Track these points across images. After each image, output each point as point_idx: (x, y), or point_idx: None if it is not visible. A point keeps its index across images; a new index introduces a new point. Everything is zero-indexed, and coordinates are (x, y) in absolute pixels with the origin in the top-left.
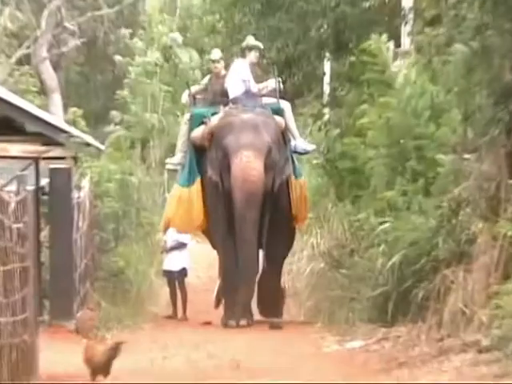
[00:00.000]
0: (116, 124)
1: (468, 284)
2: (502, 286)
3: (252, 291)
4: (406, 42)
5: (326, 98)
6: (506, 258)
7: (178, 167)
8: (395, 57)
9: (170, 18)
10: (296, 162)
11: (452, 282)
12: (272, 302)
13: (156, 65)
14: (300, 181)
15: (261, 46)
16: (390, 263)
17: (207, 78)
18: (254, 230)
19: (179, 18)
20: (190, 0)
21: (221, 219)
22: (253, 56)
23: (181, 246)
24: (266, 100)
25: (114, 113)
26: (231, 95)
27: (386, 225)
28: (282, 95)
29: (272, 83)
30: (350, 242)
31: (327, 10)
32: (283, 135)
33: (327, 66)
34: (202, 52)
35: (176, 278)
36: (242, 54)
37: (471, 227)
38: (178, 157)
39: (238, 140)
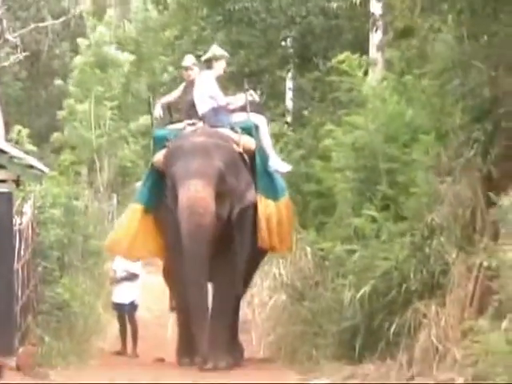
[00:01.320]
0: (59, 145)
1: (441, 318)
2: (477, 322)
3: (203, 330)
4: (374, 54)
5: (289, 117)
6: (482, 291)
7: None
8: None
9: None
10: (271, 184)
11: (424, 315)
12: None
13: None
14: (282, 202)
15: (227, 55)
16: (357, 295)
17: (181, 87)
18: (201, 268)
19: (136, 31)
20: (145, 12)
21: (177, 252)
22: (220, 67)
23: (132, 276)
24: (235, 117)
25: (56, 134)
26: (199, 112)
27: (354, 254)
28: (259, 108)
29: (242, 98)
30: (314, 272)
31: (292, 22)
32: (243, 156)
33: (291, 82)
34: (154, 69)
35: (126, 312)
36: (208, 65)
37: (445, 257)
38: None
39: (185, 167)
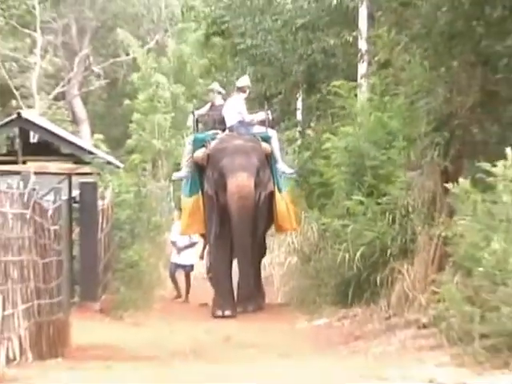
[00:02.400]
0: (131, 148)
1: (411, 274)
2: (437, 276)
3: (250, 287)
4: (361, 81)
5: (299, 127)
6: (441, 254)
7: (184, 179)
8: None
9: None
10: (280, 180)
11: (398, 272)
12: (253, 299)
13: (159, 101)
14: (283, 194)
15: (249, 84)
16: (350, 258)
17: (208, 105)
18: (248, 237)
19: (174, 62)
20: (183, 48)
21: (214, 225)
22: (246, 92)
23: (193, 245)
24: (256, 129)
25: (128, 141)
26: (228, 124)
27: (347, 227)
28: (271, 125)
29: (262, 115)
30: (317, 241)
31: (302, 59)
32: (267, 158)
33: (300, 102)
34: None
35: (186, 270)
36: (239, 90)
37: (414, 229)
38: (183, 171)
39: (232, 163)
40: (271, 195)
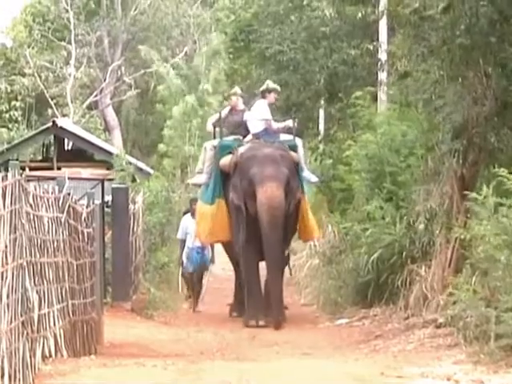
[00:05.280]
0: (161, 154)
1: (428, 276)
2: (454, 278)
3: (281, 299)
4: (382, 91)
5: (321, 136)
6: (458, 256)
7: (203, 185)
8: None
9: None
10: (305, 188)
11: (417, 274)
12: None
13: (192, 108)
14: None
15: (279, 88)
16: (369, 260)
17: (226, 110)
18: (279, 247)
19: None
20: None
21: (242, 236)
22: (272, 97)
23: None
24: (283, 137)
25: (161, 145)
26: (253, 130)
27: (367, 231)
28: (297, 132)
29: (289, 123)
30: (339, 244)
31: (323, 69)
32: (295, 167)
33: (322, 111)
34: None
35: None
36: (263, 95)
37: (432, 232)
38: (203, 177)
39: (262, 172)
40: (299, 203)
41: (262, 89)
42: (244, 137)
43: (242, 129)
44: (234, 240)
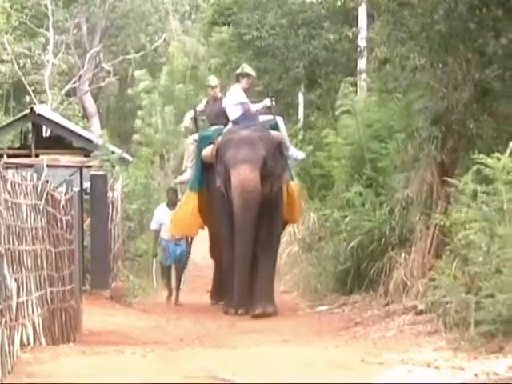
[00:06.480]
0: (139, 142)
1: (408, 263)
2: (434, 264)
3: (244, 284)
4: (361, 77)
5: (300, 122)
6: (437, 243)
7: (188, 182)
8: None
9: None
10: (290, 169)
11: (396, 261)
12: (269, 290)
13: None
14: (292, 184)
15: (253, 74)
16: (349, 247)
17: (204, 101)
18: (250, 232)
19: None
20: (197, 47)
21: (225, 222)
22: (245, 82)
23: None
24: (263, 117)
25: (135, 136)
26: (231, 117)
27: (346, 218)
28: (276, 111)
29: (267, 102)
30: (318, 230)
31: (303, 55)
32: (279, 147)
33: (301, 97)
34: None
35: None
36: (237, 79)
37: (411, 219)
38: (187, 173)
39: (236, 155)
40: (285, 187)
41: (236, 72)
42: (225, 125)
43: (222, 117)
44: (219, 227)
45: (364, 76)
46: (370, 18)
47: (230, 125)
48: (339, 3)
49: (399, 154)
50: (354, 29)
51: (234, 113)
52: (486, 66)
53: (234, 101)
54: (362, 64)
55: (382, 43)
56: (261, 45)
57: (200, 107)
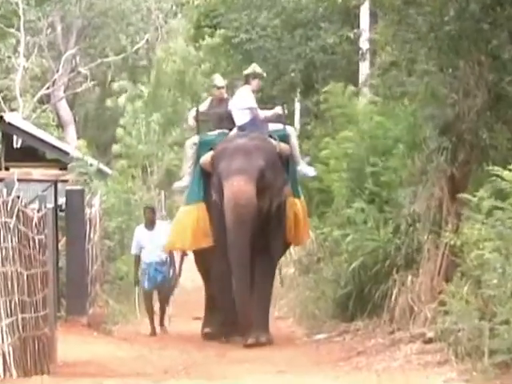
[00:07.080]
0: (119, 154)
1: (416, 286)
2: (444, 288)
3: (247, 311)
4: (363, 82)
5: (297, 132)
6: (447, 264)
7: (186, 189)
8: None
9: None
10: (298, 184)
11: (402, 284)
12: (262, 318)
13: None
14: (298, 202)
15: (264, 74)
16: (350, 269)
17: (207, 101)
18: (244, 251)
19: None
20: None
21: (222, 238)
22: (256, 84)
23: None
24: (272, 126)
25: (115, 146)
26: (238, 122)
27: (348, 237)
28: (286, 121)
29: (279, 110)
30: (317, 251)
31: (299, 58)
32: (281, 158)
33: (297, 105)
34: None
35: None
36: (247, 80)
37: (419, 238)
38: (185, 179)
39: (229, 165)
40: (288, 203)
41: (246, 72)
42: (230, 130)
43: (226, 121)
44: (215, 241)
45: (366, 80)
46: (373, 17)
47: (234, 130)
48: (340, 0)
49: (405, 166)
50: (355, 30)
51: (241, 118)
52: (500, 70)
53: (242, 105)
54: (364, 68)
55: (386, 45)
56: (250, 48)
57: (203, 107)
